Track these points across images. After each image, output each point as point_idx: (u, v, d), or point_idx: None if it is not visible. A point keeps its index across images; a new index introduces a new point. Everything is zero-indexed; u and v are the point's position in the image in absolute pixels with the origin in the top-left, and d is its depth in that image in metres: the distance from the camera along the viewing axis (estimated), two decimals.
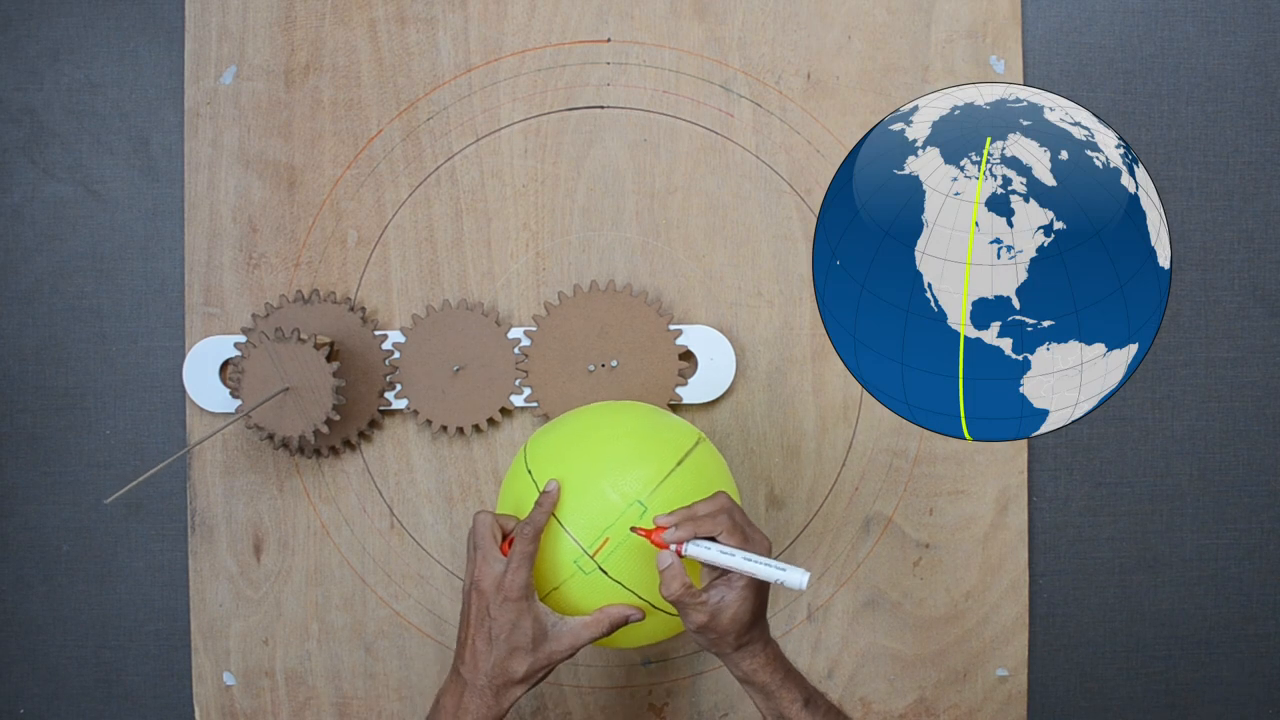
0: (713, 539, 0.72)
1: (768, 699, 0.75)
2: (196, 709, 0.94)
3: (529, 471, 0.78)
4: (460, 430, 0.92)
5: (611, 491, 0.75)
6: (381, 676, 0.94)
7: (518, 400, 0.92)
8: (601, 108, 0.93)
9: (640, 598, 0.76)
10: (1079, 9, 0.94)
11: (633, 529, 0.74)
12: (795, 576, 0.70)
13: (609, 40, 0.93)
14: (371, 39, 0.93)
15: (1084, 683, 0.96)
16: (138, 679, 0.96)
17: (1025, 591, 0.94)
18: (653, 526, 0.73)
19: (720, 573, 0.73)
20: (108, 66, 0.95)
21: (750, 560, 0.71)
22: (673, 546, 0.72)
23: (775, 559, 0.72)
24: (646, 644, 0.81)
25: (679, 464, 0.77)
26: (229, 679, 0.94)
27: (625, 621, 0.75)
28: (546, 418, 0.91)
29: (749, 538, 0.73)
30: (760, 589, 0.74)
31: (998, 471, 0.93)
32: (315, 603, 0.94)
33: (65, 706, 0.96)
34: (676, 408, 0.93)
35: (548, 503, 0.75)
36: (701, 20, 0.93)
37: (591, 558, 0.75)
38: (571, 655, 0.75)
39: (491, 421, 0.93)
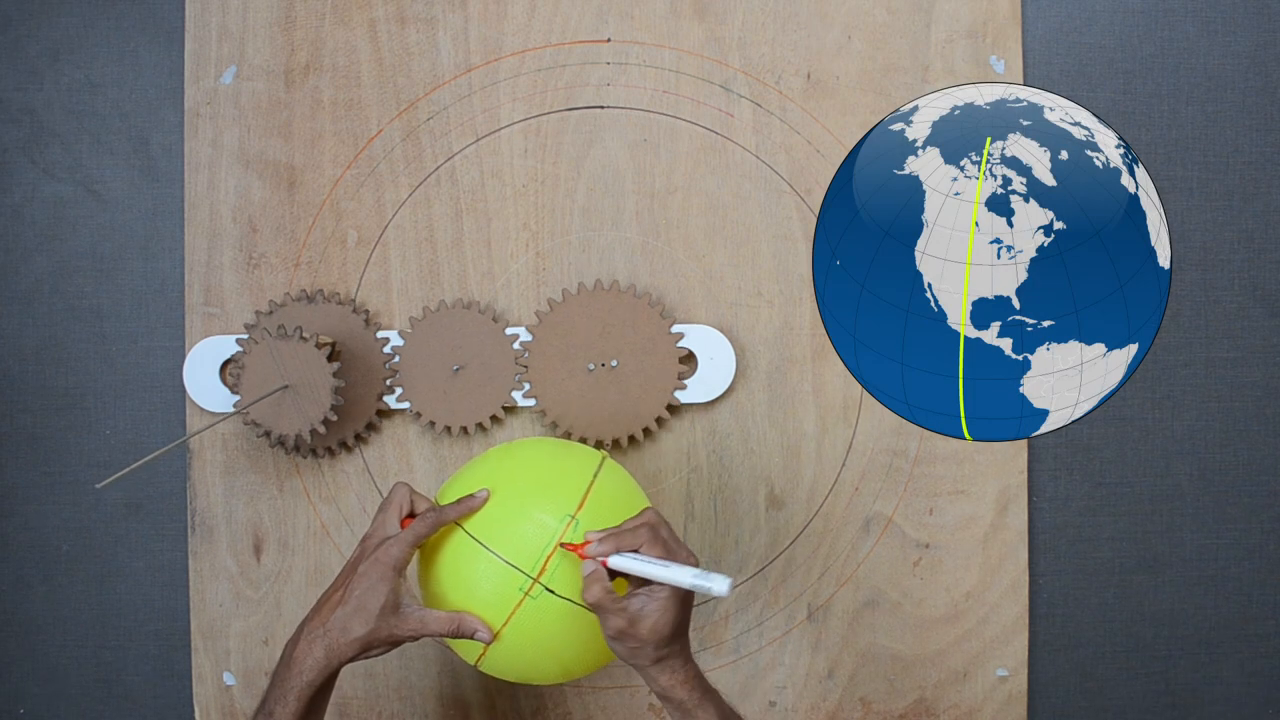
0: (636, 551, 0.73)
1: (685, 716, 0.75)
2: (196, 709, 0.94)
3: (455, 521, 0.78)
4: (465, 430, 0.92)
5: (541, 514, 0.76)
6: (381, 676, 0.94)
7: (518, 399, 0.92)
8: (601, 108, 0.93)
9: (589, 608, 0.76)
10: (1079, 9, 0.94)
11: (562, 544, 0.75)
12: (718, 584, 0.70)
13: (609, 40, 0.93)
14: (371, 39, 0.93)
15: (1084, 683, 0.96)
16: (138, 679, 0.96)
17: (1025, 591, 0.94)
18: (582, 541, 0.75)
19: (644, 584, 0.74)
20: (108, 66, 0.95)
21: (669, 568, 0.72)
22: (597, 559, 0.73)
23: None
24: (600, 666, 0.80)
25: (595, 476, 0.79)
26: (229, 679, 0.94)
27: (472, 634, 0.75)
28: (545, 416, 0.91)
29: (672, 551, 0.73)
30: (682, 602, 0.74)
31: (998, 471, 0.93)
32: None
33: (65, 706, 0.96)
34: (676, 408, 0.93)
35: (464, 507, 0.76)
36: (701, 20, 0.93)
37: (536, 580, 0.75)
38: (414, 640, 0.76)
39: (494, 419, 0.93)
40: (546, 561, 0.75)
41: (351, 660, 0.75)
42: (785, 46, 0.93)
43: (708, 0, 0.93)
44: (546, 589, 0.75)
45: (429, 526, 0.76)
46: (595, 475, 0.79)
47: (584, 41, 0.93)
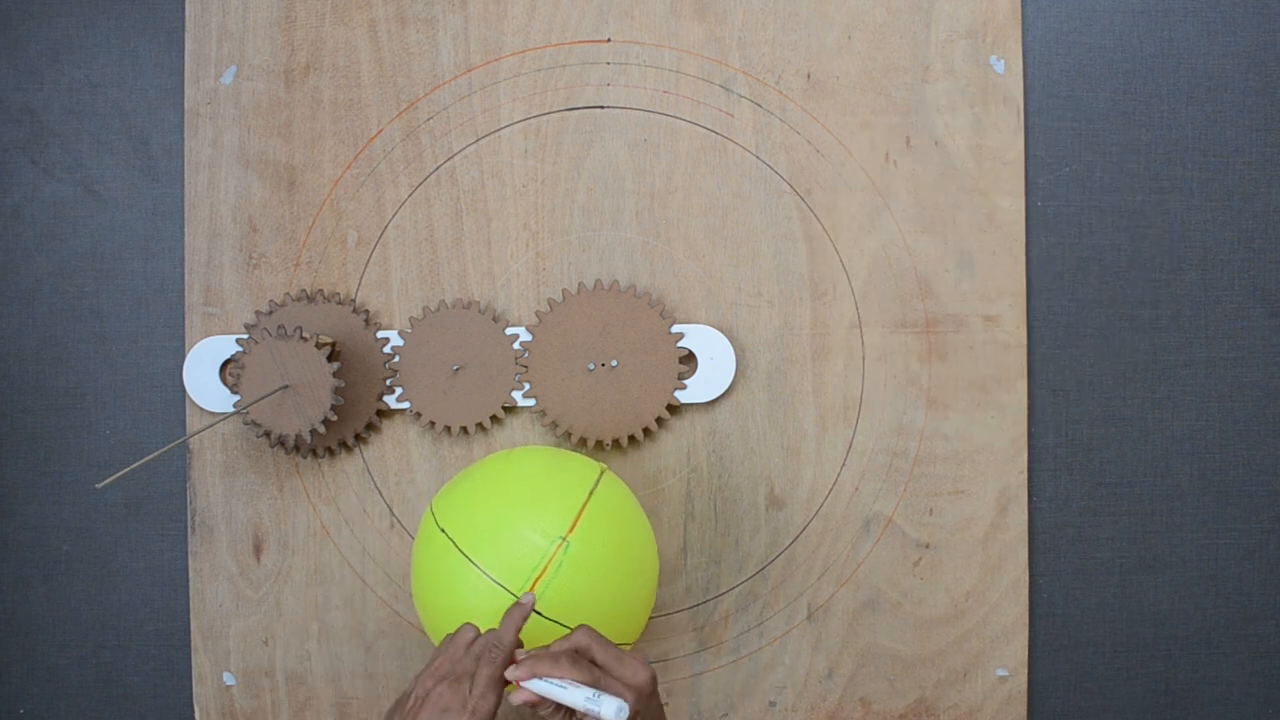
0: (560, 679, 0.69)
1: None
2: (196, 709, 0.94)
3: (443, 530, 0.78)
4: (465, 430, 0.92)
5: (533, 533, 0.75)
6: (381, 676, 0.94)
7: (518, 399, 0.92)
8: (601, 108, 0.93)
9: None
10: (1079, 9, 0.94)
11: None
12: (607, 707, 0.67)
13: (609, 40, 0.93)
14: (371, 39, 0.93)
15: (1084, 683, 0.96)
16: (138, 679, 0.96)
17: (1025, 591, 0.94)
18: (578, 560, 0.74)
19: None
20: (108, 66, 0.95)
21: (565, 689, 0.68)
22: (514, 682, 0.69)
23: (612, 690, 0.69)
24: None
25: (590, 494, 0.78)
26: (229, 679, 0.94)
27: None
28: (545, 416, 0.91)
29: (598, 678, 0.69)
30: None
31: (998, 471, 0.93)
32: (315, 603, 0.94)
33: (65, 706, 0.96)
34: (676, 408, 0.93)
35: (519, 616, 0.71)
36: (701, 20, 0.93)
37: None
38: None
39: (494, 419, 0.93)
40: (534, 583, 0.74)
41: None
42: (785, 46, 0.93)
43: (708, 0, 0.93)
44: (536, 611, 0.74)
45: (502, 665, 0.70)
46: (590, 493, 0.78)
47: (584, 41, 0.93)
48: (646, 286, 0.93)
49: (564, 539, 0.75)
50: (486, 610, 0.75)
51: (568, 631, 0.74)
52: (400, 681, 0.94)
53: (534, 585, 0.74)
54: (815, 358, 0.93)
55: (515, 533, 0.75)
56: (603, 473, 0.81)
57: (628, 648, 0.80)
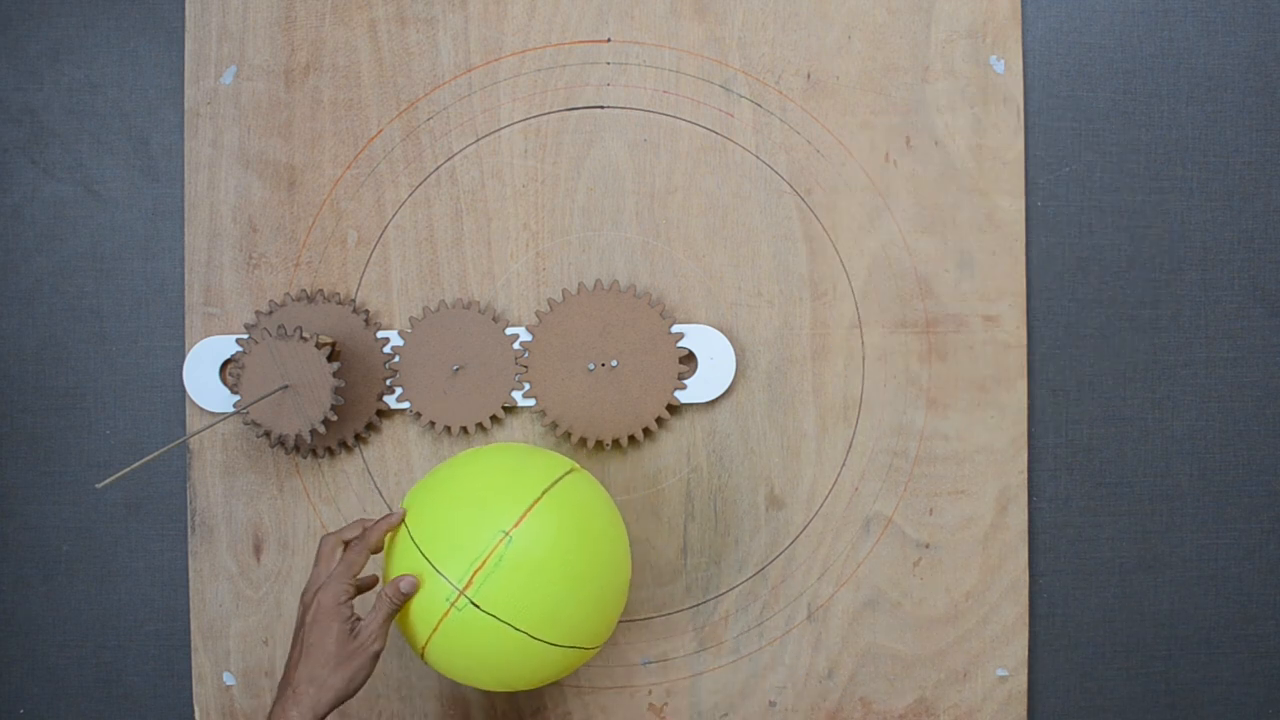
0: None
1: None
2: (196, 709, 0.94)
3: (404, 523, 0.79)
4: (465, 430, 0.92)
5: (478, 525, 0.75)
6: (381, 676, 0.94)
7: (518, 399, 0.92)
8: (601, 108, 0.93)
9: (517, 629, 0.75)
10: (1079, 9, 0.94)
11: None
12: None
13: (609, 40, 0.93)
14: (371, 39, 0.93)
15: (1084, 683, 0.96)
16: (138, 679, 0.96)
17: (1025, 591, 0.94)
18: (521, 556, 0.74)
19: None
20: (108, 66, 0.95)
21: None
22: None
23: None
24: (543, 684, 0.80)
25: (545, 492, 0.77)
26: (229, 679, 0.94)
27: (403, 596, 0.76)
28: (545, 416, 0.91)
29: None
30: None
31: (998, 471, 0.93)
32: None
33: (65, 706, 0.96)
34: (676, 408, 0.93)
35: (385, 524, 0.78)
36: (701, 20, 0.93)
37: (462, 593, 0.74)
38: (382, 647, 0.76)
39: (494, 419, 0.93)
40: (474, 575, 0.74)
41: (336, 706, 0.75)
42: (785, 46, 0.93)
43: (708, 0, 0.93)
44: (471, 603, 0.74)
45: (359, 554, 0.78)
46: (546, 490, 0.77)
47: (584, 41, 0.93)
48: (646, 286, 0.93)
49: (507, 533, 0.75)
50: (429, 597, 0.75)
51: (507, 626, 0.75)
52: (400, 683, 0.94)
53: (472, 577, 0.74)
54: (815, 358, 0.93)
55: (463, 524, 0.76)
56: (569, 471, 0.80)
57: (593, 653, 0.81)
